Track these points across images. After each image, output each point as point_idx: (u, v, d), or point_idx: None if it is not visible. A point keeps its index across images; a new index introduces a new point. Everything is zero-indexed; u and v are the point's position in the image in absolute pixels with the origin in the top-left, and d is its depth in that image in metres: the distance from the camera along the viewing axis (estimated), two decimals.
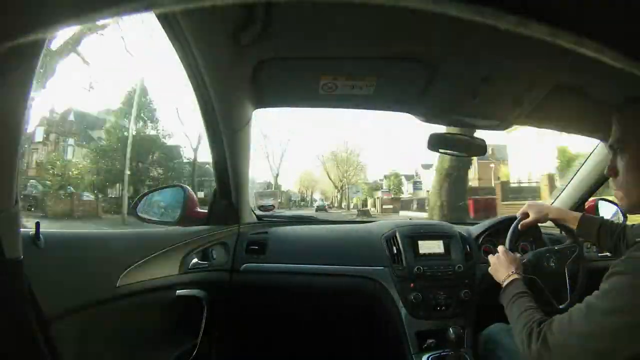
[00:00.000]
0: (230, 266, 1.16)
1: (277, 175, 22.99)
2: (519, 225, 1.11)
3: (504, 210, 9.79)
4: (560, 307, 1.05)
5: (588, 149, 1.44)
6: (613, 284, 0.57)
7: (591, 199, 1.53)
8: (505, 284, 0.85)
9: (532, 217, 1.10)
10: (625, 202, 0.67)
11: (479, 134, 1.59)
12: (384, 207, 20.10)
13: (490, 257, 0.97)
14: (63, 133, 13.22)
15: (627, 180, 0.65)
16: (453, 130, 1.58)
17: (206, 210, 1.24)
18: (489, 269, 0.95)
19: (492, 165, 18.17)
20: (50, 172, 11.37)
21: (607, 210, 1.60)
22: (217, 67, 0.81)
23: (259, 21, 0.71)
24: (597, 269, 1.31)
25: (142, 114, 13.02)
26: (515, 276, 0.86)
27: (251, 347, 1.37)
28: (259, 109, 1.10)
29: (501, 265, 0.90)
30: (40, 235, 0.68)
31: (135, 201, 1.21)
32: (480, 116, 1.11)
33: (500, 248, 0.97)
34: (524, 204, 1.16)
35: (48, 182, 11.09)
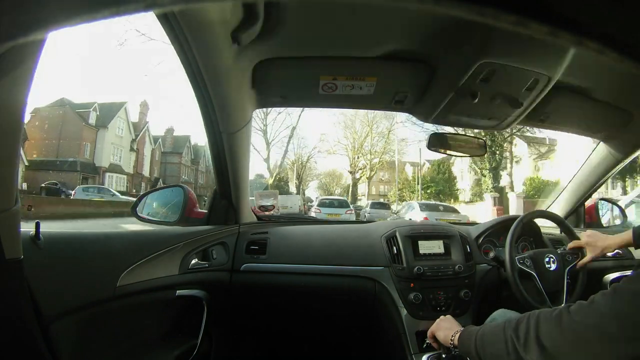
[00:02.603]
0: (230, 266, 1.16)
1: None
2: (577, 265, 1.12)
3: None
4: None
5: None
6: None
7: (591, 199, 1.53)
8: (459, 333, 0.80)
9: (589, 256, 1.10)
10: None
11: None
12: None
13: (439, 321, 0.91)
14: None
15: None
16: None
17: (206, 210, 1.24)
18: (432, 327, 0.90)
19: None
20: None
21: (607, 211, 1.61)
22: (217, 67, 0.80)
23: (259, 21, 0.71)
24: (596, 269, 1.32)
25: None
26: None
27: (251, 347, 1.37)
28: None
29: (449, 322, 0.87)
30: (40, 235, 0.68)
31: (135, 201, 1.20)
32: (480, 116, 1.11)
33: (448, 316, 0.91)
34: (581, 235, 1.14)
35: None
